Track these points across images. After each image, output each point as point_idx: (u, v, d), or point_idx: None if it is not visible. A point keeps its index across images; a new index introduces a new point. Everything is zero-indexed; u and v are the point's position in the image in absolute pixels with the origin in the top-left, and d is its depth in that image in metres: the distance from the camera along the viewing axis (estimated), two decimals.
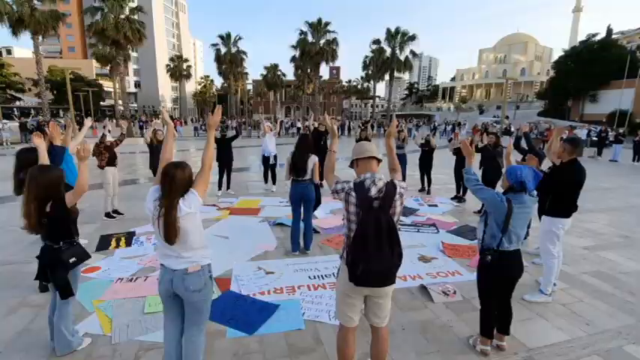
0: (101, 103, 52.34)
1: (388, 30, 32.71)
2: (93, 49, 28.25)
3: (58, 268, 2.36)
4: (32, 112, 41.32)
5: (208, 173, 2.07)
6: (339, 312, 2.20)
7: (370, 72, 38.10)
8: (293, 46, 30.38)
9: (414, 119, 38.50)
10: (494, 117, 41.24)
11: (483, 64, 75.55)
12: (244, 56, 39.67)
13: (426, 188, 8.41)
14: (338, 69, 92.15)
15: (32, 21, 20.41)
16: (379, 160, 2.15)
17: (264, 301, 3.41)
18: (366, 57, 36.37)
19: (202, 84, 73.24)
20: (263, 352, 2.70)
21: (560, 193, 3.34)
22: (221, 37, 38.16)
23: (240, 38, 38.54)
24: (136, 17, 24.63)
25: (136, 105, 70.76)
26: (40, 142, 2.81)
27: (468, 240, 5.21)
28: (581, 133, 17.29)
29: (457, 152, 7.41)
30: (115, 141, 6.06)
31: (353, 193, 1.99)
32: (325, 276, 3.97)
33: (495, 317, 2.67)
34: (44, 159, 2.82)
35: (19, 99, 45.17)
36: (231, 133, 8.70)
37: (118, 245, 4.84)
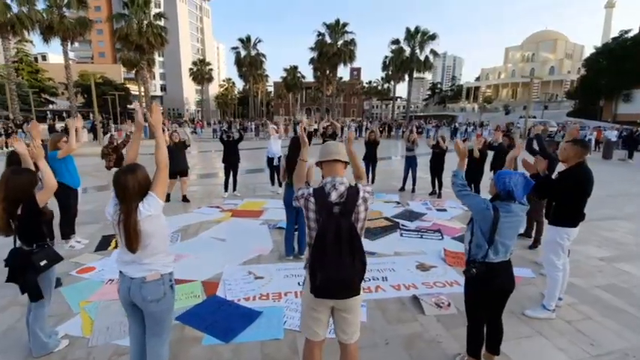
0: (128, 106, 54.40)
1: (407, 29, 32.08)
2: (120, 54, 29.45)
3: (27, 271, 2.36)
4: (65, 114, 43.60)
5: (164, 172, 2.00)
6: (304, 325, 2.08)
7: (390, 72, 37.63)
8: (311, 48, 30.45)
9: (432, 120, 37.55)
10: (522, 117, 39.67)
11: (510, 63, 72.95)
12: (263, 59, 40.15)
13: (437, 191, 8.12)
14: (359, 70, 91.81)
15: (61, 28, 21.46)
16: (346, 163, 2.01)
17: (248, 307, 3.33)
18: (386, 57, 35.94)
19: (224, 87, 74.76)
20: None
21: (565, 200, 3.06)
22: (241, 40, 38.80)
23: (259, 41, 39.05)
24: (159, 23, 25.45)
25: (161, 108, 73.02)
26: (22, 148, 2.65)
27: None
28: (611, 134, 16.27)
29: (469, 154, 7.09)
30: (122, 142, 6.19)
31: (312, 199, 1.86)
32: None
33: (484, 335, 2.46)
34: (28, 163, 2.75)
35: (53, 102, 47.80)
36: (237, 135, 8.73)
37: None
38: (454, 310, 3.30)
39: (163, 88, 79.88)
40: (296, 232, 4.56)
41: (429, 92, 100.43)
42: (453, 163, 2.72)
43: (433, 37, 31.54)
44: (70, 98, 24.89)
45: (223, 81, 77.31)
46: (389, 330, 3.01)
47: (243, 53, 38.60)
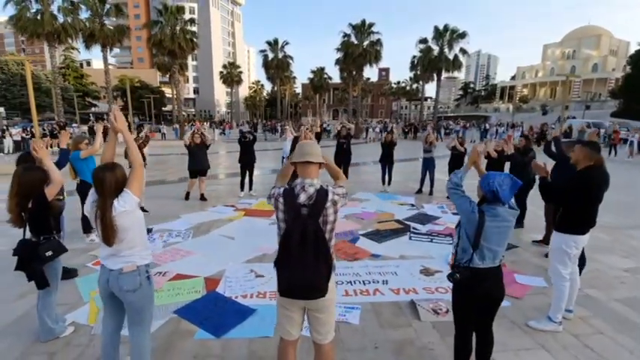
0: (163, 108, 57.12)
1: (436, 28, 31.24)
2: (155, 59, 31.03)
3: (34, 261, 2.54)
4: (105, 116, 46.62)
5: (139, 171, 2.08)
6: (278, 324, 2.10)
7: (418, 72, 36.86)
8: (337, 49, 30.43)
9: (460, 120, 36.30)
10: (567, 118, 37.35)
11: (548, 61, 69.15)
12: (290, 61, 40.69)
13: None
14: (387, 70, 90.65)
15: (101, 35, 22.92)
16: (321, 164, 2.00)
17: (244, 304, 3.40)
18: (414, 57, 35.23)
19: (253, 89, 76.44)
20: (223, 357, 2.68)
21: (572, 205, 2.87)
22: (269, 43, 39.54)
23: (286, 43, 39.64)
24: (192, 28, 26.50)
25: (194, 110, 76.10)
26: (41, 154, 2.79)
27: None
28: None
29: (489, 156, 6.80)
30: (142, 143, 6.53)
31: (281, 199, 1.88)
32: None
33: (472, 345, 2.36)
34: (50, 168, 2.74)
35: (95, 105, 51.09)
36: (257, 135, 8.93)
37: None
38: (451, 318, 3.17)
39: (196, 91, 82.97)
40: None
41: (460, 92, 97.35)
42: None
43: (463, 35, 30.48)
44: (109, 101, 26.50)
45: (252, 83, 79.02)
46: (380, 334, 2.95)
47: (270, 56, 39.34)
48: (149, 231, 5.57)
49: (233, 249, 4.86)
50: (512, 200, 2.23)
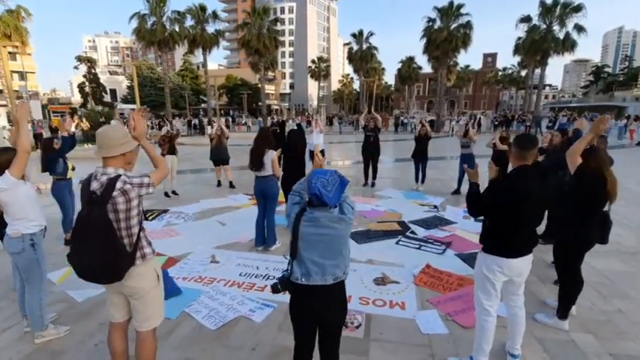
0: (259, 103, 62.39)
1: (542, 2, 26.28)
2: (249, 58, 34.08)
3: (2, 227, 3.18)
4: (211, 111, 53.39)
5: (22, 157, 2.39)
6: None
7: (525, 56, 31.93)
8: (421, 36, 28.32)
9: (567, 111, 30.10)
10: None
11: None
12: (375, 52, 39.66)
13: None
14: (494, 56, 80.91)
15: (202, 40, 26.16)
16: (123, 155, 1.96)
17: (177, 285, 3.61)
18: (519, 39, 30.58)
19: (342, 82, 77.28)
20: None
21: (494, 217, 2.22)
22: (353, 35, 39.31)
23: (371, 34, 38.74)
24: (277, 27, 28.19)
25: (287, 104, 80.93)
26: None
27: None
28: None
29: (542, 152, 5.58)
30: (175, 134, 7.37)
31: (80, 186, 1.97)
32: (255, 276, 3.85)
33: None
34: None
35: (206, 102, 58.94)
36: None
37: (147, 219, 5.90)
38: (360, 334, 2.82)
39: (292, 86, 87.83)
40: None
41: (591, 77, 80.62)
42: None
43: (578, 8, 24.77)
44: (208, 99, 30.33)
45: (342, 77, 79.90)
46: (270, 337, 2.81)
47: (355, 48, 39.12)
48: (165, 212, 6.29)
49: (215, 234, 5.14)
50: (348, 204, 1.87)
